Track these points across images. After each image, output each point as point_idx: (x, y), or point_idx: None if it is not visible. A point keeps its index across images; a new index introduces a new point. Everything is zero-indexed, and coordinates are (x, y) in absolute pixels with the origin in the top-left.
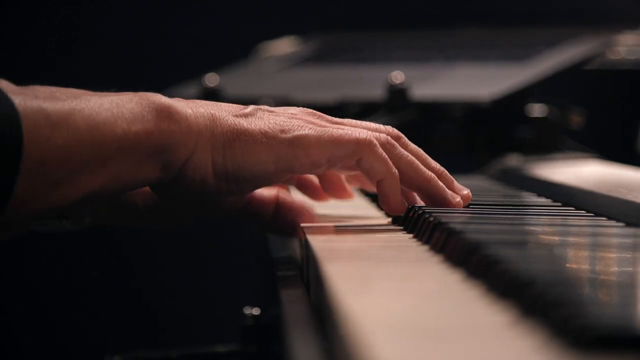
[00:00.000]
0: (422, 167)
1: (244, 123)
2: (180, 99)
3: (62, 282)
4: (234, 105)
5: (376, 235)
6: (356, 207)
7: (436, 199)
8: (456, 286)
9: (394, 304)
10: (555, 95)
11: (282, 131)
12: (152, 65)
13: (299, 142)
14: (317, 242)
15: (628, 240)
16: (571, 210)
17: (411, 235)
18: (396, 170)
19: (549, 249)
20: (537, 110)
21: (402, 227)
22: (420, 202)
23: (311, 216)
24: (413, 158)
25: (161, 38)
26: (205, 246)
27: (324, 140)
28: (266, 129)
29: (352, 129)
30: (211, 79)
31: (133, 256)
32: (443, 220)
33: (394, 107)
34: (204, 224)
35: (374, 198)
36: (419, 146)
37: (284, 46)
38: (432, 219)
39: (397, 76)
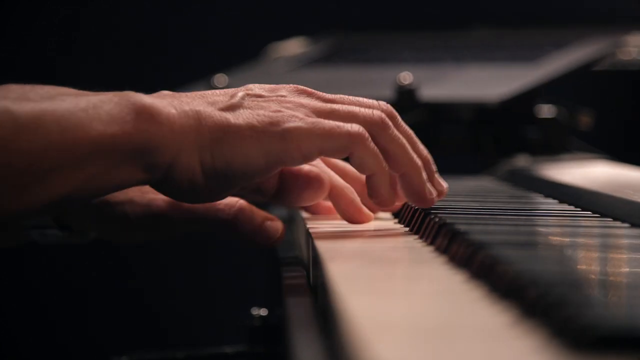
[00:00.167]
0: (411, 152)
1: (231, 118)
2: (166, 95)
3: (70, 284)
4: (221, 92)
5: (381, 236)
6: None
7: (414, 190)
8: (459, 287)
9: (396, 304)
10: (564, 96)
11: (272, 124)
12: (154, 65)
13: (289, 136)
14: (322, 243)
15: (633, 242)
16: (577, 211)
17: (416, 236)
18: (387, 165)
19: (552, 249)
20: (545, 111)
21: (407, 228)
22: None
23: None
24: (404, 142)
25: (165, 38)
26: (208, 246)
27: (315, 133)
28: (254, 122)
29: (344, 123)
30: (220, 80)
31: (135, 257)
32: (448, 221)
33: (403, 108)
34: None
35: None
36: (427, 147)
37: (294, 47)
38: (437, 219)
39: (406, 77)
